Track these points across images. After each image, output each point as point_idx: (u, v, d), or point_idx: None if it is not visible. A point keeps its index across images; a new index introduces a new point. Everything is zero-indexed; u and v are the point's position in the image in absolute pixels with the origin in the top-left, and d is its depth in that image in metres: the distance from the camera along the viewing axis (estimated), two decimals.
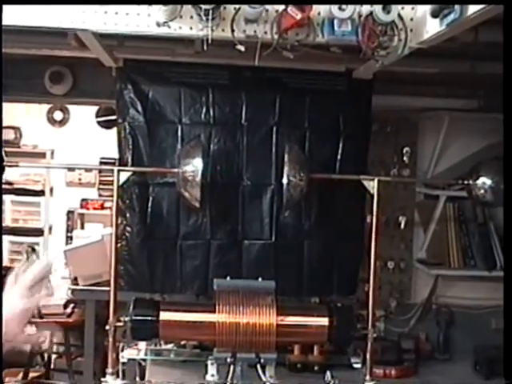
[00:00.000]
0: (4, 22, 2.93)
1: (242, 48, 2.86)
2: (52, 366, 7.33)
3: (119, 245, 3.78)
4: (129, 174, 3.37)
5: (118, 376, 3.27)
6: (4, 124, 8.21)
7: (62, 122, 8.38)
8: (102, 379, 3.26)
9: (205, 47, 2.86)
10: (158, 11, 2.84)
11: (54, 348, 7.32)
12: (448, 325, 4.77)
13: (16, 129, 8.27)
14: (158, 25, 2.89)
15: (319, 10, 2.85)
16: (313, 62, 3.38)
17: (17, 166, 3.53)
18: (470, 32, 3.37)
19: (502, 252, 2.34)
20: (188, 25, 2.88)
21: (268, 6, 2.80)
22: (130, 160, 3.94)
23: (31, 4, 2.86)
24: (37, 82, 4.65)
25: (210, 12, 2.73)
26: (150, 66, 3.98)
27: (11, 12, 2.86)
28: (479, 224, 4.70)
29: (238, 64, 3.72)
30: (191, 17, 2.85)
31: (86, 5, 2.88)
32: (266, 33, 2.85)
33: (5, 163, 3.29)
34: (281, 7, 2.80)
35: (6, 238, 8.08)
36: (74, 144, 7.91)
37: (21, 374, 6.91)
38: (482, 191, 3.39)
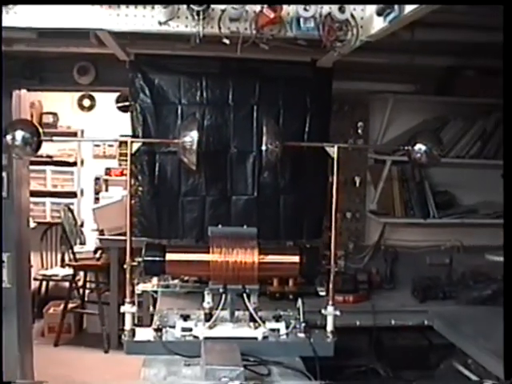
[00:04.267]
0: (38, 25, 2.88)
1: (227, 41, 2.83)
2: (86, 299, 7.33)
3: (133, 201, 3.76)
4: (139, 144, 3.32)
5: (134, 304, 3.24)
6: (44, 110, 8.18)
7: (90, 108, 8.31)
8: (122, 307, 3.23)
9: (197, 41, 2.81)
10: (159, 13, 2.80)
11: (87, 285, 7.32)
12: (393, 261, 4.76)
13: (54, 114, 8.20)
14: (160, 24, 2.83)
15: (288, 11, 2.81)
16: (284, 53, 3.31)
17: (51, 140, 3.46)
18: (408, 31, 3.36)
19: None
20: (184, 23, 2.82)
21: (247, 7, 2.77)
22: (140, 134, 3.88)
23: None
24: (67, 75, 4.60)
25: (201, 12, 2.70)
26: (156, 59, 3.91)
27: (42, 17, 2.83)
28: (417, 182, 4.67)
29: (226, 56, 3.63)
30: (186, 17, 2.80)
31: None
32: (246, 29, 2.81)
33: (42, 138, 3.22)
34: (258, 8, 2.76)
35: (47, 200, 8.08)
36: (99, 125, 7.84)
37: (62, 305, 6.92)
38: (418, 155, 3.35)
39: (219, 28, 2.80)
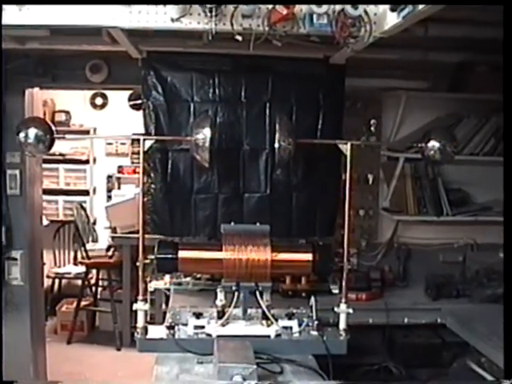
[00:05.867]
0: (51, 23, 2.88)
1: (239, 38, 2.81)
2: (98, 297, 7.35)
3: (146, 199, 3.76)
4: (152, 142, 3.32)
5: (146, 302, 3.23)
6: (57, 108, 8.20)
7: (102, 106, 8.32)
8: (134, 304, 3.23)
9: (210, 38, 2.80)
10: (172, 9, 2.79)
11: (100, 282, 7.34)
12: (406, 259, 4.74)
13: (66, 112, 8.23)
14: (172, 20, 2.82)
15: (301, 7, 2.78)
16: (297, 50, 3.30)
17: (64, 138, 3.45)
18: (421, 27, 3.33)
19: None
20: (196, 20, 2.81)
21: (260, 4, 2.75)
22: (153, 131, 3.89)
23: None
24: (80, 73, 4.62)
25: (214, 9, 2.69)
26: (168, 56, 3.91)
27: (55, 14, 2.82)
28: (430, 180, 4.64)
29: (238, 53, 3.63)
30: (198, 14, 2.78)
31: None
32: (258, 26, 2.79)
33: (55, 136, 3.22)
34: (270, 5, 2.74)
35: (60, 198, 8.11)
36: (111, 123, 7.86)
37: (75, 302, 6.95)
38: (432, 152, 3.32)
39: (231, 25, 2.78)
